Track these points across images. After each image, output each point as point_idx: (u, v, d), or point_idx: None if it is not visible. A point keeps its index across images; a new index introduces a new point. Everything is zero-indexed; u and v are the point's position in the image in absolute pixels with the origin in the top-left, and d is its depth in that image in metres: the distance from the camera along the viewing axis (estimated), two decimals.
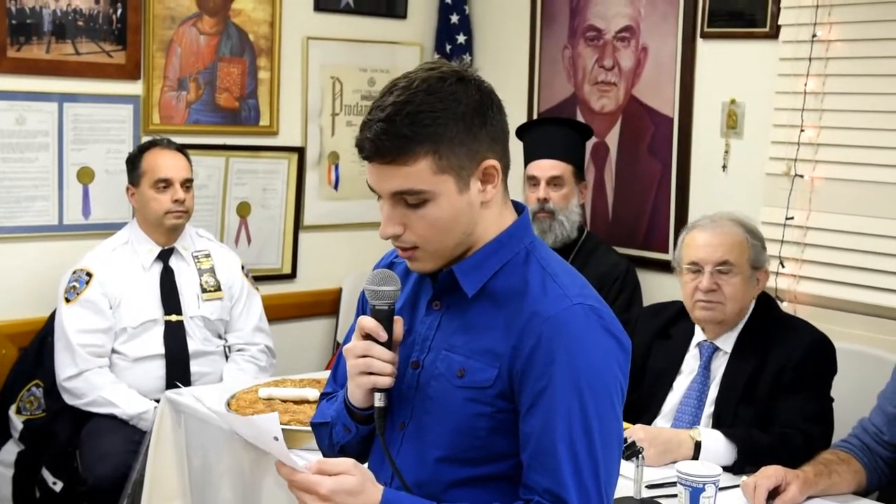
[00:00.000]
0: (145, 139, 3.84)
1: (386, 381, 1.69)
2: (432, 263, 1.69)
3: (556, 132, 3.75)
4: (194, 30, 3.97)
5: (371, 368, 1.69)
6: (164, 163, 3.47)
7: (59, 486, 3.42)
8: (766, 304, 2.82)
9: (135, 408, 3.32)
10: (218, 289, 3.58)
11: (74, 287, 3.40)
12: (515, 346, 1.62)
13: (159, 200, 3.45)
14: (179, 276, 3.52)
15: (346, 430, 1.79)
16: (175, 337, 3.46)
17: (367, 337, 1.70)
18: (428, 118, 1.59)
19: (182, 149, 3.57)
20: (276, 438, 1.60)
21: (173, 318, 3.47)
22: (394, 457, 1.71)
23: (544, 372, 1.59)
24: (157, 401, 3.14)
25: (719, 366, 2.75)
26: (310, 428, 2.50)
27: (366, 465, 1.78)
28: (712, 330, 2.78)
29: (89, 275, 3.42)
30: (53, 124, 3.71)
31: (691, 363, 2.81)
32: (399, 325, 1.72)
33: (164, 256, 3.52)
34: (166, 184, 3.45)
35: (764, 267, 2.76)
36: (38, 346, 3.55)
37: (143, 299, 3.46)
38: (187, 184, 3.51)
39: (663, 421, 2.78)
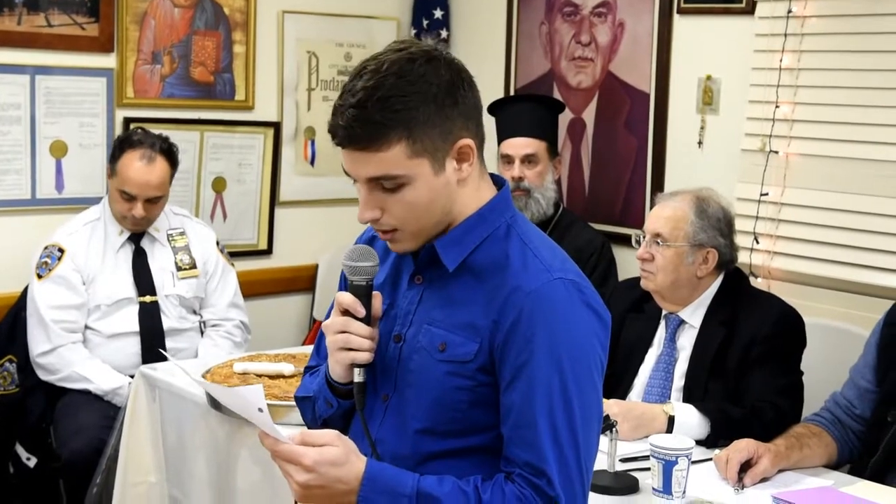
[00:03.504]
0: (122, 113, 3.82)
1: (364, 357, 1.69)
2: (412, 244, 1.69)
3: (528, 109, 3.75)
4: (168, 2, 3.93)
5: (349, 344, 1.69)
6: (135, 177, 3.35)
7: (32, 462, 3.41)
8: (737, 279, 2.84)
9: (109, 383, 3.31)
10: (193, 266, 3.56)
11: (46, 263, 3.38)
12: (496, 321, 1.62)
13: (120, 205, 3.40)
14: (152, 258, 3.50)
15: (327, 405, 1.79)
16: (150, 316, 3.44)
17: (346, 313, 1.70)
18: (399, 102, 1.58)
19: (170, 150, 3.44)
20: (260, 410, 1.60)
21: (147, 298, 3.46)
22: (376, 428, 1.71)
23: (525, 346, 1.60)
24: (132, 377, 3.13)
25: (688, 340, 2.78)
26: (284, 402, 2.54)
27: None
28: (661, 302, 2.82)
29: (61, 250, 3.39)
30: (25, 97, 3.67)
31: (661, 336, 2.84)
32: (378, 300, 1.72)
33: (136, 238, 3.49)
34: (130, 197, 3.39)
35: (707, 247, 2.76)
36: (11, 321, 3.52)
37: (116, 278, 3.44)
38: (154, 199, 3.42)
39: (635, 394, 2.81)
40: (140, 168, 3.37)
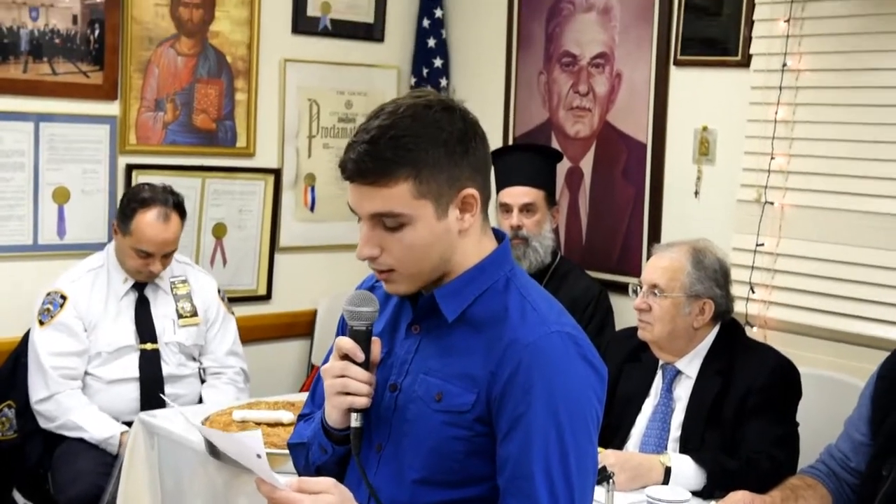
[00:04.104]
0: (125, 160, 3.86)
1: (362, 402, 1.71)
2: (407, 286, 1.71)
3: (527, 158, 3.78)
4: (172, 51, 3.99)
5: (347, 389, 1.70)
6: (153, 237, 3.38)
7: None
8: (732, 330, 2.86)
9: (102, 432, 3.30)
10: (194, 314, 3.57)
11: (48, 310, 3.39)
12: (494, 372, 1.64)
13: (135, 261, 3.42)
14: (155, 306, 3.51)
15: (322, 451, 1.80)
16: (150, 363, 3.45)
17: (345, 357, 1.71)
18: (411, 143, 1.62)
19: (180, 204, 3.46)
20: (258, 456, 1.61)
21: (148, 346, 3.47)
22: (371, 478, 1.72)
23: (522, 398, 1.61)
24: (130, 423, 3.13)
25: (684, 390, 2.79)
26: (283, 451, 2.53)
27: None
28: (658, 352, 2.84)
29: (63, 297, 3.40)
30: (29, 144, 3.71)
31: (658, 387, 2.85)
32: (377, 346, 1.74)
33: (139, 286, 3.51)
34: (147, 255, 3.41)
35: (704, 298, 2.79)
36: (11, 366, 3.52)
37: (118, 326, 3.45)
38: (170, 253, 3.47)
39: (632, 444, 2.81)
40: (158, 227, 3.38)
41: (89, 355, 3.41)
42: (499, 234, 1.78)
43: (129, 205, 3.43)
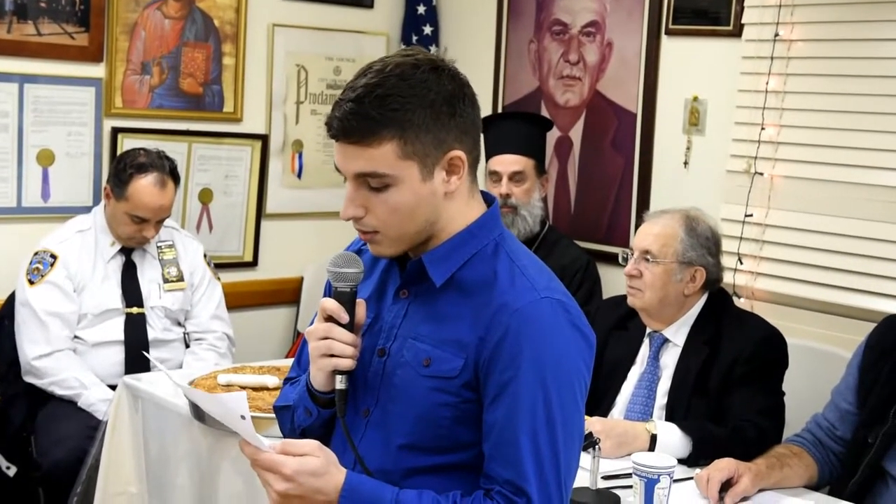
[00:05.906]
0: (110, 123, 3.81)
1: (346, 364, 1.69)
2: (392, 248, 1.70)
3: (517, 126, 3.77)
4: (159, 13, 3.94)
5: (332, 350, 1.69)
6: (151, 203, 3.35)
7: (12, 471, 3.39)
8: (721, 299, 2.86)
9: (101, 394, 3.28)
10: (180, 279, 3.55)
11: (38, 269, 3.36)
12: (482, 337, 1.63)
13: (129, 227, 3.40)
14: (141, 270, 3.50)
15: (307, 414, 1.79)
16: (135, 327, 3.43)
17: (329, 319, 1.70)
18: (396, 102, 1.60)
19: (174, 170, 3.45)
20: (242, 417, 1.60)
21: (134, 310, 3.45)
22: (356, 444, 1.71)
23: (510, 364, 1.60)
24: (114, 387, 3.12)
25: (671, 358, 2.79)
26: (268, 414, 2.53)
27: None
28: (647, 319, 2.84)
29: (54, 256, 3.38)
30: (14, 105, 3.67)
31: (644, 354, 2.85)
32: (361, 307, 1.72)
33: (126, 250, 3.48)
34: (141, 220, 3.39)
35: (696, 266, 2.78)
36: None
37: (105, 289, 3.43)
38: (163, 219, 3.45)
39: (618, 411, 2.82)
40: (155, 193, 3.36)
41: (78, 316, 3.39)
42: (488, 198, 1.76)
43: (125, 170, 3.39)
